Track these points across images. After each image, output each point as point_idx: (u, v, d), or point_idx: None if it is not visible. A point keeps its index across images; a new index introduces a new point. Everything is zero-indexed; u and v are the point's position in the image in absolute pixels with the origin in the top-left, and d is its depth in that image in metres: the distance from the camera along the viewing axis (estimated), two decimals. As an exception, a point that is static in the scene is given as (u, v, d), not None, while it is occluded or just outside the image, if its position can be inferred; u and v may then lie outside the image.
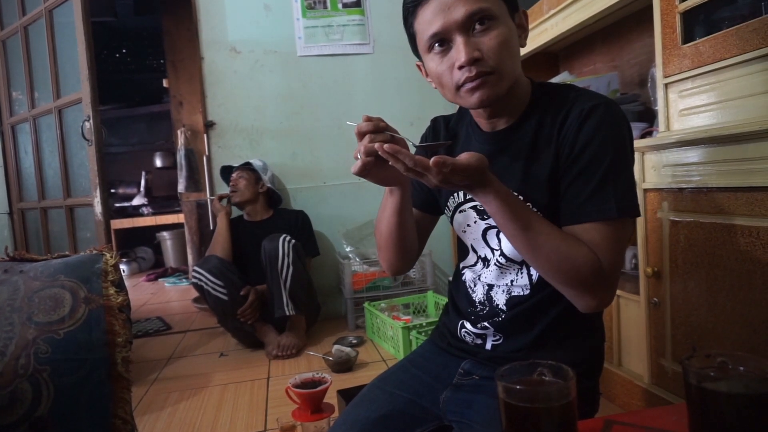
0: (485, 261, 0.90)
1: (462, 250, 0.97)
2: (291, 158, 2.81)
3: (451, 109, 0.99)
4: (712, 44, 1.16)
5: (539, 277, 0.82)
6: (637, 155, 1.34)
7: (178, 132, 3.64)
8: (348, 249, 2.72)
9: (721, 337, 1.18)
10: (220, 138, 2.74)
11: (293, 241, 2.29)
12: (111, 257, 0.98)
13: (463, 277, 0.95)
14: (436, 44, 0.78)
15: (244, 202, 2.53)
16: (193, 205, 3.79)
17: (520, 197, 0.80)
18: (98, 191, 2.21)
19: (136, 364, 2.12)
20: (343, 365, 2.00)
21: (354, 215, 2.83)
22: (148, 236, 5.04)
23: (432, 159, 0.64)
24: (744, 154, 1.08)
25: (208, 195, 2.80)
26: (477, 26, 0.75)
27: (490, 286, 0.89)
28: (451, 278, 1.04)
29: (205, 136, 2.75)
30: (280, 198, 2.65)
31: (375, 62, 2.86)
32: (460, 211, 0.91)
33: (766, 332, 1.07)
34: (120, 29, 5.26)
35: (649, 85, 1.58)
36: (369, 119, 0.73)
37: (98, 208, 2.22)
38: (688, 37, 1.24)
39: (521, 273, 0.85)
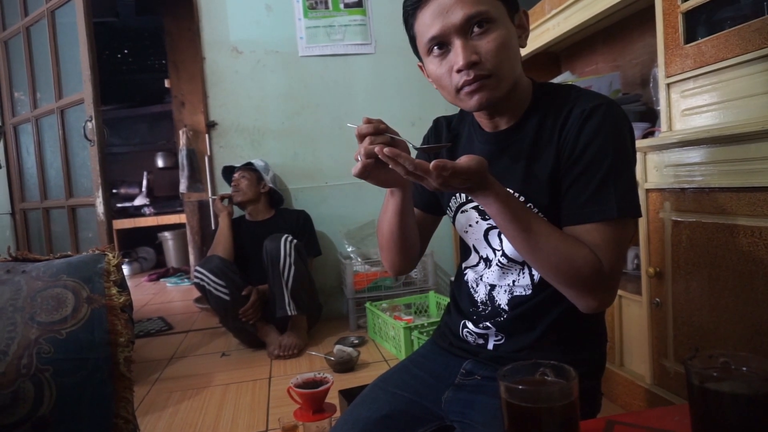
0: (487, 261, 0.90)
1: (464, 250, 0.97)
2: (292, 158, 2.81)
3: (452, 110, 0.99)
4: (714, 44, 1.16)
5: (541, 277, 0.82)
6: (639, 155, 1.34)
7: (180, 132, 3.65)
8: (349, 249, 2.72)
9: (723, 337, 1.18)
10: (222, 138, 2.74)
11: (295, 241, 2.30)
12: (113, 257, 0.98)
13: (465, 277, 0.95)
14: (435, 47, 0.78)
15: (245, 202, 2.53)
16: (195, 205, 3.79)
17: (521, 197, 0.81)
18: (100, 191, 2.22)
19: (137, 364, 2.12)
20: (345, 365, 2.00)
21: (355, 215, 2.83)
22: (149, 236, 5.05)
23: (432, 163, 0.64)
24: (746, 155, 1.08)
25: (209, 195, 2.81)
26: (475, 29, 0.75)
27: (492, 286, 0.89)
28: (452, 278, 1.03)
29: (206, 136, 2.75)
30: (282, 198, 2.65)
31: (376, 62, 2.86)
32: (462, 212, 0.91)
33: (768, 332, 1.07)
34: (121, 29, 5.27)
35: (651, 85, 1.58)
36: (369, 121, 0.73)
37: (100, 208, 2.23)
38: (690, 37, 1.24)
39: (523, 273, 0.85)
